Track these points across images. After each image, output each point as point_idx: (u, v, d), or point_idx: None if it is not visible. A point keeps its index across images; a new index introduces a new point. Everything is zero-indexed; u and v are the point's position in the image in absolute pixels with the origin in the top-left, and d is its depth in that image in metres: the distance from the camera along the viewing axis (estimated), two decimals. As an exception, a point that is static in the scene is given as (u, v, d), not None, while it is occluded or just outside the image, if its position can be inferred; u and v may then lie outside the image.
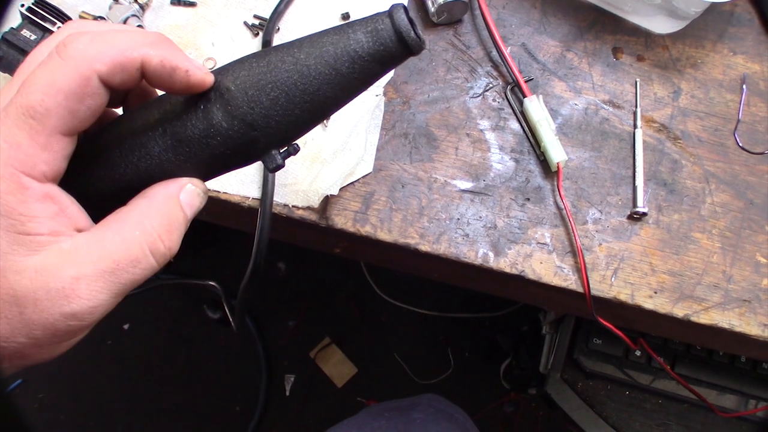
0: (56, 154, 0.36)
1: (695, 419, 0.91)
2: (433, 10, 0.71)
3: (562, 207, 0.66)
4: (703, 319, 0.64)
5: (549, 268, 0.64)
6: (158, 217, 0.39)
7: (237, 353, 1.64)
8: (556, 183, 0.66)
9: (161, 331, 1.65)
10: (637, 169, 0.68)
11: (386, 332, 1.66)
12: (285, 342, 1.66)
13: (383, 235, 0.65)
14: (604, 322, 0.66)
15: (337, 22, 0.72)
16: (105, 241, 0.37)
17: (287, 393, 1.62)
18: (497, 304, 1.62)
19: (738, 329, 0.64)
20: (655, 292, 0.64)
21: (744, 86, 0.71)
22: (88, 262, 0.36)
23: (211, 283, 1.48)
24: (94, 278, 0.36)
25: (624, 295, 0.64)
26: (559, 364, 0.93)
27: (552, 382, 0.93)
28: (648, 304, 0.64)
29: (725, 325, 0.64)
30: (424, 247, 0.65)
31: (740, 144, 0.69)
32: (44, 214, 0.36)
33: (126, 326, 1.65)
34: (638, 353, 0.89)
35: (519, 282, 0.66)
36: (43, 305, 0.35)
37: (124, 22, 0.69)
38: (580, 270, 0.64)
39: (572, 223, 0.65)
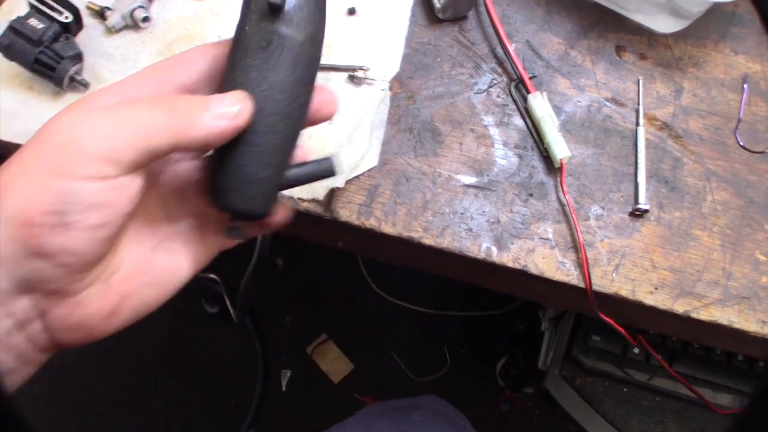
0: None
1: (692, 417, 0.92)
2: (438, 6, 0.71)
3: (565, 203, 0.66)
4: (703, 315, 0.64)
5: (551, 263, 0.65)
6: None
7: (234, 348, 1.64)
8: (559, 179, 0.67)
9: (157, 325, 1.64)
10: (639, 167, 0.68)
11: (383, 329, 1.67)
12: (282, 337, 1.66)
13: (387, 229, 0.65)
14: (605, 318, 0.66)
15: (343, 17, 0.72)
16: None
17: (283, 388, 1.62)
18: (494, 303, 1.62)
19: (737, 326, 0.64)
20: (656, 288, 0.65)
21: (745, 86, 0.72)
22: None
23: (211, 276, 1.48)
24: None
25: (625, 291, 0.64)
26: (557, 360, 0.94)
27: (551, 379, 0.93)
28: (649, 300, 0.64)
29: (724, 322, 0.64)
30: (428, 241, 0.65)
31: (741, 143, 0.70)
32: None
33: (122, 320, 1.65)
34: (636, 351, 0.90)
35: (521, 277, 0.66)
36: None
37: (131, 13, 0.70)
38: (582, 265, 0.64)
39: (575, 219, 0.65)
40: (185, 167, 0.47)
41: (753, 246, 0.67)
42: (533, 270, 0.65)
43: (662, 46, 0.74)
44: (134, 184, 0.39)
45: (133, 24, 0.71)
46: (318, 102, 0.47)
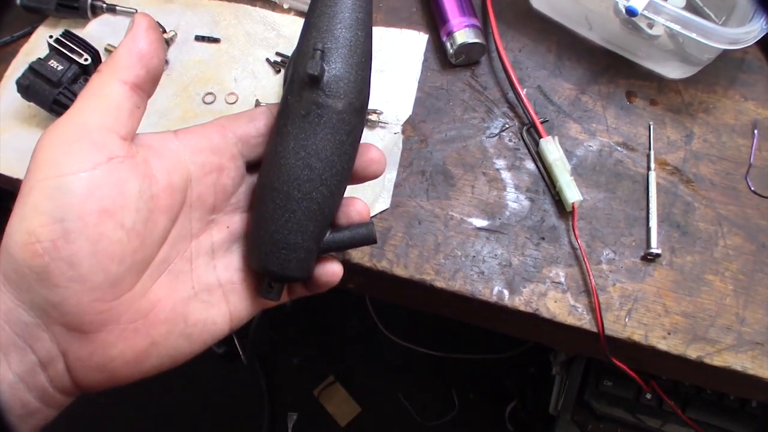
0: None
1: (706, 464, 0.91)
2: (451, 51, 0.73)
3: (577, 247, 0.66)
4: (717, 361, 0.64)
5: (563, 307, 0.65)
6: None
7: (240, 389, 1.63)
8: (570, 223, 0.67)
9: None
10: (650, 211, 0.68)
11: (391, 372, 1.65)
12: (288, 379, 1.65)
13: (399, 271, 0.65)
14: (618, 363, 0.66)
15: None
16: None
17: (289, 431, 1.61)
18: (503, 346, 1.61)
19: (751, 372, 0.63)
20: (669, 333, 0.64)
21: (755, 131, 0.73)
22: None
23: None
24: None
25: (638, 336, 0.64)
26: (569, 405, 0.93)
27: (562, 424, 0.92)
28: (662, 345, 0.64)
29: (738, 368, 0.64)
30: (440, 284, 0.65)
31: (752, 188, 0.70)
32: None
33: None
34: (649, 396, 0.89)
35: (533, 320, 0.66)
36: None
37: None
38: (594, 310, 0.64)
39: (587, 262, 0.65)
40: (239, 219, 0.48)
41: (766, 291, 0.66)
42: (545, 314, 0.64)
43: (672, 91, 0.75)
44: (121, 173, 0.39)
45: (150, 67, 0.72)
46: (366, 160, 0.48)
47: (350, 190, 0.49)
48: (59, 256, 0.36)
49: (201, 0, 0.77)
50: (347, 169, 0.46)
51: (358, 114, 0.45)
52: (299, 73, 0.43)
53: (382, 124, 0.70)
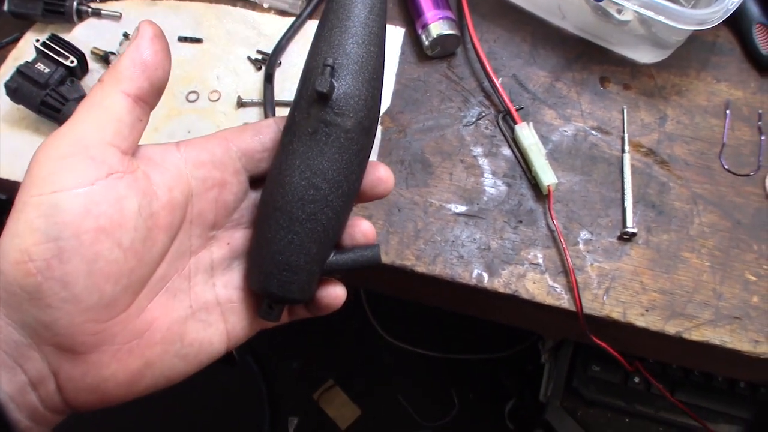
0: None
1: (695, 446, 0.91)
2: (426, 43, 0.74)
3: (554, 228, 0.68)
4: (695, 336, 0.65)
5: (542, 287, 0.66)
6: None
7: (240, 394, 1.63)
8: (547, 206, 0.69)
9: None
10: (625, 192, 0.70)
11: (390, 374, 1.66)
12: (288, 383, 1.65)
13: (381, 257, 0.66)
14: (598, 341, 0.67)
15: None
16: None
17: (290, 435, 1.62)
18: (502, 345, 1.62)
19: (729, 346, 0.64)
20: (647, 310, 0.65)
21: (728, 111, 0.74)
22: None
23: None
24: None
25: (616, 313, 0.65)
26: (558, 391, 0.93)
27: (551, 410, 0.93)
28: (640, 322, 0.65)
29: (717, 342, 0.65)
30: (420, 269, 0.66)
31: (726, 166, 0.72)
32: None
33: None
34: (637, 380, 0.90)
35: (513, 302, 0.67)
36: None
37: (133, 57, 0.73)
38: (573, 289, 0.65)
39: (564, 244, 0.67)
40: (240, 236, 0.46)
41: (742, 266, 0.68)
42: (524, 294, 0.66)
43: (645, 76, 0.76)
44: (120, 190, 0.38)
45: (134, 67, 0.74)
46: (374, 179, 0.46)
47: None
48: (53, 275, 0.35)
49: (184, 2, 0.79)
50: (354, 189, 0.44)
51: (368, 133, 0.43)
52: (307, 89, 0.42)
53: (361, 116, 0.72)
